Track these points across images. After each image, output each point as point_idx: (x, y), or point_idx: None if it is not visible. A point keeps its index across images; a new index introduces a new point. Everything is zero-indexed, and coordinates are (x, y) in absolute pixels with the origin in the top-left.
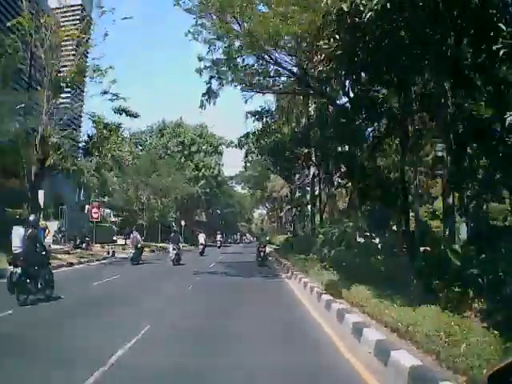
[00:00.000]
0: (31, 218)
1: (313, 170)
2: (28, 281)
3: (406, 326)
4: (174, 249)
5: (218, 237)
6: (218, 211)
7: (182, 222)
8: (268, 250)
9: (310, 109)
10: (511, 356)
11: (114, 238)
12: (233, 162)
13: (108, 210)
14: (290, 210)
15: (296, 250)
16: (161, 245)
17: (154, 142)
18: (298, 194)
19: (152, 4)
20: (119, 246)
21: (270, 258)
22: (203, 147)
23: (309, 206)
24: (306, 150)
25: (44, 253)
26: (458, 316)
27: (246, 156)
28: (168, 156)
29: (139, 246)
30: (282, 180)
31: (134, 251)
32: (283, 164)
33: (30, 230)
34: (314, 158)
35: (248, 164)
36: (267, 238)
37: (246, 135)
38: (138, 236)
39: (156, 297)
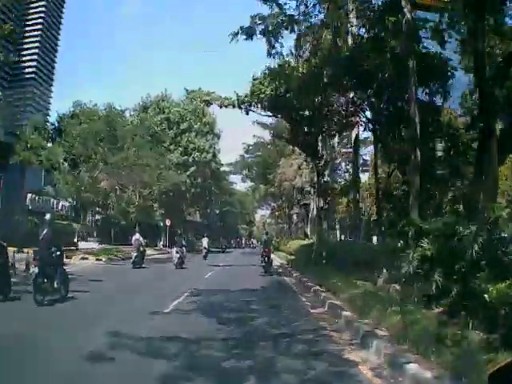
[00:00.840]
0: (47, 217)
1: (355, 132)
2: (45, 281)
3: None
4: (177, 252)
5: (224, 242)
6: (217, 211)
7: (167, 222)
8: (278, 261)
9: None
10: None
11: (76, 239)
12: (231, 146)
13: (66, 203)
14: (303, 206)
15: (332, 264)
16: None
17: (136, 122)
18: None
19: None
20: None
21: (286, 279)
22: (195, 126)
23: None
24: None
25: (59, 253)
26: None
27: (249, 105)
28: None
29: (141, 249)
30: (295, 166)
31: (136, 254)
32: (309, 125)
33: (46, 230)
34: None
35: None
36: (272, 242)
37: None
38: (141, 238)
39: None
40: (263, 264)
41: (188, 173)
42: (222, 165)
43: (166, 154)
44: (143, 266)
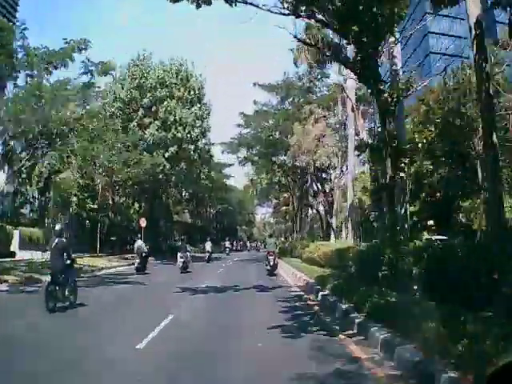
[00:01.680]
0: (57, 227)
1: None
2: (56, 288)
3: None
4: (181, 257)
5: (227, 243)
6: (212, 210)
7: (142, 222)
8: (296, 277)
9: None
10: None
11: (17, 247)
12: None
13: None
14: (325, 194)
15: None
16: (95, 263)
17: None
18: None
19: None
20: None
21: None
22: (177, 92)
23: None
24: None
25: (69, 261)
26: None
27: None
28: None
29: (144, 254)
30: (316, 132)
31: (138, 260)
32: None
33: (58, 240)
34: None
35: None
36: (277, 244)
37: None
38: (143, 245)
39: None
40: (268, 267)
41: (167, 154)
42: (213, 144)
43: (136, 130)
44: (146, 271)
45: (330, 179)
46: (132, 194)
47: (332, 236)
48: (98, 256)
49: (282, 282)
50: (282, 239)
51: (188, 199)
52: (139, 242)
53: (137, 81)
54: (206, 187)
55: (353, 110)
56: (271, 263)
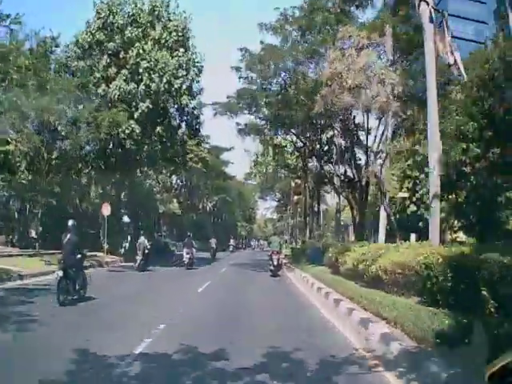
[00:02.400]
0: (70, 223)
1: None
2: (68, 282)
3: None
4: (187, 253)
5: (231, 242)
6: (210, 203)
7: (104, 209)
8: (371, 333)
9: None
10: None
11: None
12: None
13: None
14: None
15: None
16: (19, 265)
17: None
18: None
19: None
20: None
21: None
22: (154, 32)
23: None
24: None
25: (80, 256)
26: None
27: None
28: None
29: (146, 251)
30: (364, 60)
31: (140, 257)
32: None
33: (70, 235)
34: None
35: None
36: (281, 243)
37: None
38: (146, 241)
39: None
40: (271, 267)
41: (137, 114)
42: (205, 106)
43: (99, 83)
44: (148, 269)
45: (367, 149)
46: (94, 170)
47: (380, 232)
48: (34, 254)
49: (326, 328)
50: (286, 237)
51: (177, 187)
52: (142, 239)
53: (103, 20)
54: (199, 171)
55: (432, 21)
56: (275, 263)
